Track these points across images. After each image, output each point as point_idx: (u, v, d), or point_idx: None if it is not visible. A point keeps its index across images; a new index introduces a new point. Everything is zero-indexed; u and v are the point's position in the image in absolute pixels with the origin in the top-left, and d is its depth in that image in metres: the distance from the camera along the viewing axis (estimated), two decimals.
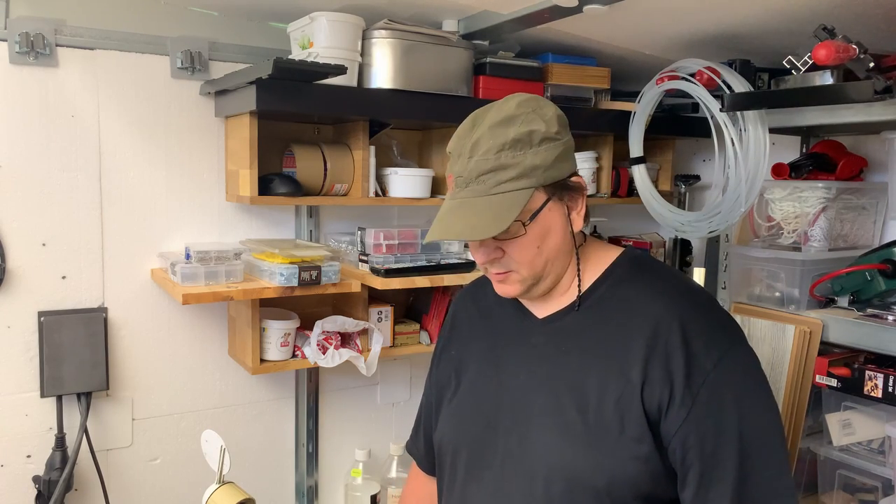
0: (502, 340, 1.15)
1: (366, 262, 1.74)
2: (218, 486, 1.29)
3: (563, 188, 1.02)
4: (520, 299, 1.14)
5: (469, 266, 1.77)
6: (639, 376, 0.98)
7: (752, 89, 1.61)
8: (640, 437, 0.97)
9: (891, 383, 1.46)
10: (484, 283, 1.21)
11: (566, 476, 1.00)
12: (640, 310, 1.02)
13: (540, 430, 1.04)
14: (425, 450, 1.30)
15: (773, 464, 0.97)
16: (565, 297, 1.09)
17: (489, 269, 1.07)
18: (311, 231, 1.89)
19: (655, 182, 2.05)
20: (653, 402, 0.97)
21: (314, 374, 1.94)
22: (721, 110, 1.60)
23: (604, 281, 1.08)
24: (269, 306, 1.72)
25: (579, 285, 1.08)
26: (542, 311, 1.12)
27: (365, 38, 1.64)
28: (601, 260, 1.10)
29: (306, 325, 1.73)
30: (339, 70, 1.50)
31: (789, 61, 1.44)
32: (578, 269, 1.08)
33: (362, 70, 1.66)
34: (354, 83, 1.63)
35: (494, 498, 1.07)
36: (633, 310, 1.03)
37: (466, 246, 1.75)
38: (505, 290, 1.08)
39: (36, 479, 1.60)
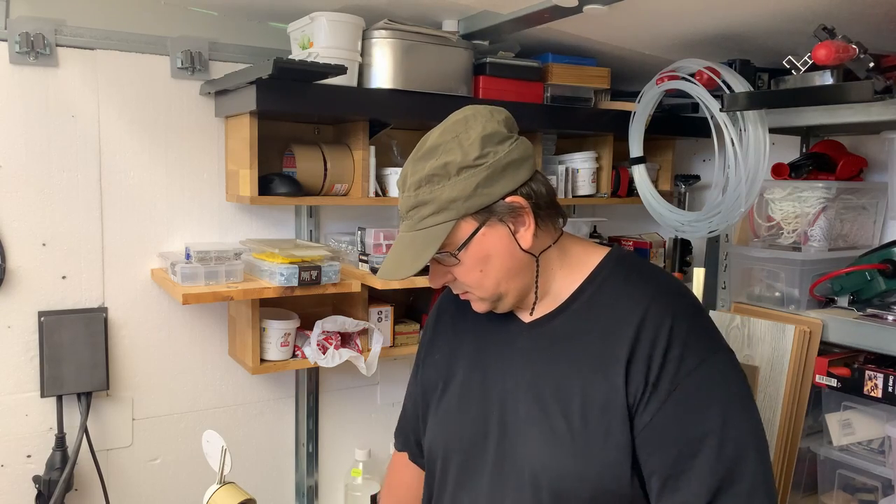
0: (488, 344, 1.13)
1: (366, 262, 1.73)
2: (219, 486, 1.29)
3: (496, 212, 0.99)
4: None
5: None
6: (622, 380, 0.97)
7: (752, 89, 1.61)
8: (626, 442, 0.96)
9: (891, 383, 1.46)
10: None
11: (553, 486, 0.99)
12: (624, 313, 1.00)
13: (526, 437, 1.03)
14: (418, 449, 1.28)
15: (746, 477, 0.92)
16: (551, 300, 1.07)
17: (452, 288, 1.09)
18: (311, 231, 1.90)
19: (655, 182, 2.05)
20: (633, 403, 0.96)
21: (314, 374, 1.95)
22: (721, 110, 1.60)
23: (590, 283, 1.06)
24: (269, 306, 1.72)
25: (535, 293, 1.06)
26: (528, 315, 1.10)
27: (365, 38, 1.64)
28: (585, 261, 1.08)
29: (306, 325, 1.73)
30: (339, 70, 1.50)
31: (789, 61, 1.44)
32: (537, 281, 1.06)
33: (362, 70, 1.66)
34: (354, 83, 1.63)
35: None
36: (618, 313, 1.01)
37: None
38: (474, 306, 1.09)
39: (36, 479, 1.60)
